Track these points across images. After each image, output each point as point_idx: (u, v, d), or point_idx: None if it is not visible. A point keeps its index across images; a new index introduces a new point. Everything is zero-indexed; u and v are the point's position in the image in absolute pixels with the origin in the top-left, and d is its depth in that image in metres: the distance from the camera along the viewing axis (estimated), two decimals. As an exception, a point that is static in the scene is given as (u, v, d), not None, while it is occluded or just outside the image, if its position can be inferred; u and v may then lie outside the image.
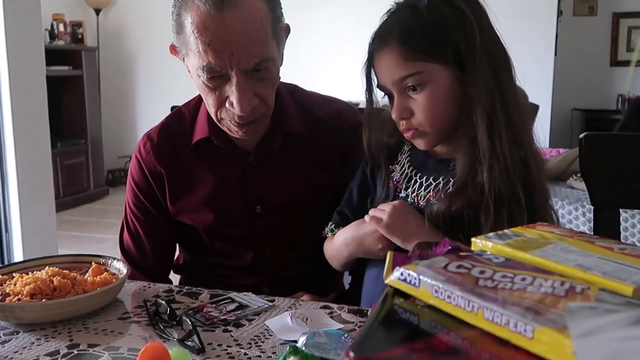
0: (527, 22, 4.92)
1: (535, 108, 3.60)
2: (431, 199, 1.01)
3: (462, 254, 0.58)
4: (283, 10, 1.09)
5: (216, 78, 1.04)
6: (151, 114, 6.33)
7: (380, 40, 0.99)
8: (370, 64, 1.03)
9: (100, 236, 4.57)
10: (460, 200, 0.95)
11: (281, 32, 1.09)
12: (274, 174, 1.21)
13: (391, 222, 0.98)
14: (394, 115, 1.01)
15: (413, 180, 1.05)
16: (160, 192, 1.24)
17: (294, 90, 1.28)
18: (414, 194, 1.04)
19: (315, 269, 1.24)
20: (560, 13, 5.63)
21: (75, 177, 5.56)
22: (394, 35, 0.97)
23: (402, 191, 1.06)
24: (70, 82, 5.58)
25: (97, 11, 6.29)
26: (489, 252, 0.58)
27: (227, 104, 1.07)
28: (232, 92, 1.04)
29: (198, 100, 1.24)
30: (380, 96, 1.07)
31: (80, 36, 5.92)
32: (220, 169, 1.21)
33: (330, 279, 1.33)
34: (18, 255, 2.57)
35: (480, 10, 0.98)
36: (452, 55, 0.95)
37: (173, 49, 1.13)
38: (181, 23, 1.04)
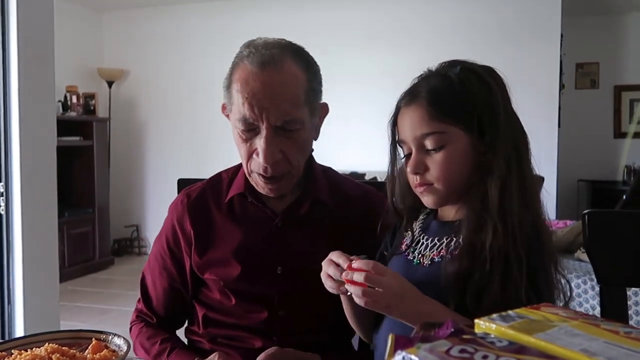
0: (530, 95, 5.02)
1: (540, 179, 3.61)
2: (435, 257, 1.04)
3: (465, 336, 0.57)
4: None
5: (249, 131, 1.16)
6: (159, 184, 6.41)
7: (409, 98, 1.05)
8: (395, 119, 1.08)
9: (103, 307, 4.52)
10: (468, 260, 0.97)
11: (316, 104, 1.22)
12: (298, 239, 1.27)
13: (391, 303, 0.95)
14: (409, 169, 1.05)
15: (420, 243, 1.09)
16: (187, 249, 1.31)
17: (327, 169, 1.38)
18: (420, 254, 1.07)
19: (325, 341, 1.25)
20: (562, 86, 5.75)
21: (81, 246, 5.57)
22: (423, 95, 1.03)
23: (410, 254, 1.09)
24: (80, 152, 5.68)
25: (110, 83, 6.47)
26: (492, 335, 0.57)
27: (254, 155, 1.18)
28: (260, 144, 1.15)
29: (238, 166, 1.35)
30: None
31: (92, 107, 6.07)
32: (248, 227, 1.28)
33: (339, 355, 1.32)
34: (19, 327, 2.53)
35: (504, 88, 1.05)
36: (475, 123, 1.01)
37: (224, 108, 1.25)
38: (230, 79, 1.19)
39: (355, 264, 0.96)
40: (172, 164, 6.35)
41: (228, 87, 1.20)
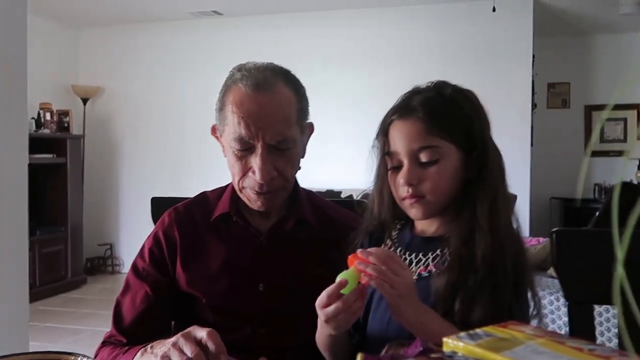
0: (503, 114, 5.10)
1: (514, 197, 3.65)
2: (422, 272, 1.06)
3: (433, 355, 0.57)
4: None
5: (245, 150, 1.21)
6: (133, 202, 6.34)
7: (404, 112, 1.08)
8: (385, 131, 1.10)
9: (75, 327, 4.43)
10: (457, 271, 1.00)
11: (304, 123, 1.28)
12: (282, 256, 1.30)
13: (405, 296, 0.94)
14: (402, 181, 1.07)
15: (402, 259, 1.10)
16: (171, 259, 1.31)
17: (309, 192, 1.42)
18: None
19: (307, 358, 1.24)
20: (534, 106, 5.86)
21: (53, 265, 5.47)
22: (420, 110, 1.06)
23: None
24: (53, 170, 5.60)
25: (85, 100, 6.41)
26: (460, 354, 0.58)
27: (250, 173, 1.22)
28: (255, 162, 1.20)
29: (224, 187, 1.38)
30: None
31: (66, 124, 6.00)
32: (233, 244, 1.31)
33: None
34: (-13, 349, 2.47)
35: (485, 110, 1.11)
36: (465, 141, 1.07)
37: (214, 130, 1.30)
38: (224, 101, 1.23)
39: (372, 258, 0.93)
40: (146, 182, 6.30)
41: (221, 108, 1.24)
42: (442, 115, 1.06)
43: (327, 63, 5.87)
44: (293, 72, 1.30)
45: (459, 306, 0.98)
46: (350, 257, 0.96)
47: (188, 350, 0.99)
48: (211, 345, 0.99)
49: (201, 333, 1.01)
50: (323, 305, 0.95)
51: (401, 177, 1.07)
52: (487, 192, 1.04)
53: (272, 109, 1.19)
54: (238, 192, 1.28)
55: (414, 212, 1.09)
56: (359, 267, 0.93)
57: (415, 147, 1.05)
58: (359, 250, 0.95)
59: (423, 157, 1.05)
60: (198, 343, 1.01)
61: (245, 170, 1.23)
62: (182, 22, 6.29)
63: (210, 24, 6.24)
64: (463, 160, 1.07)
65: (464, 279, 1.00)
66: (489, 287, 0.98)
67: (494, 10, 4.64)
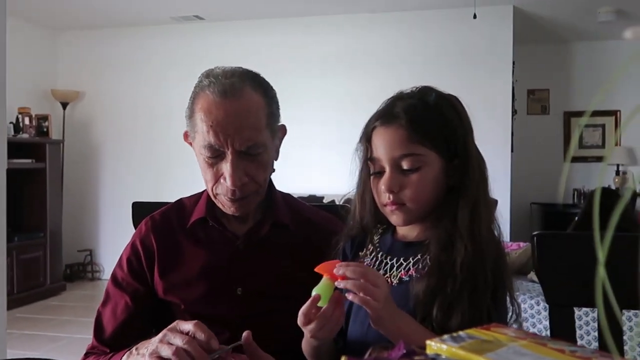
0: (484, 120, 5.14)
1: (494, 202, 3.68)
2: (403, 276, 1.07)
3: (416, 358, 0.57)
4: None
5: (215, 157, 1.21)
6: (114, 208, 6.28)
7: (386, 118, 1.08)
8: (369, 137, 1.10)
9: (54, 335, 4.37)
10: (436, 277, 1.01)
11: (276, 126, 1.27)
12: (258, 260, 1.29)
13: (385, 305, 0.94)
14: (383, 187, 1.07)
15: (384, 263, 1.11)
16: (149, 268, 1.31)
17: (286, 195, 1.42)
18: (386, 275, 1.09)
19: None
20: (514, 112, 5.92)
21: (32, 271, 5.39)
22: (402, 117, 1.06)
23: None
24: (32, 175, 5.53)
25: (64, 105, 6.34)
26: (443, 356, 0.58)
27: (221, 179, 1.22)
28: (226, 169, 1.19)
29: (200, 193, 1.38)
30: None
31: (45, 129, 5.93)
32: (210, 249, 1.30)
33: None
34: (-37, 357, 2.42)
35: (468, 116, 1.11)
36: (447, 149, 1.07)
37: (186, 136, 1.30)
38: (193, 108, 1.23)
39: (349, 273, 0.93)
40: (127, 188, 6.24)
41: (190, 116, 1.23)
42: (425, 122, 1.06)
43: (310, 68, 5.88)
44: (275, 77, 1.29)
45: (437, 312, 0.99)
46: (317, 268, 0.97)
47: (178, 340, 0.98)
48: (200, 335, 0.99)
49: (187, 326, 1.01)
50: (303, 324, 0.96)
51: (382, 184, 1.07)
52: (468, 200, 1.05)
53: (240, 115, 1.18)
54: (212, 197, 1.28)
55: (394, 218, 1.09)
56: (339, 286, 0.94)
57: (397, 154, 1.05)
58: (334, 270, 0.95)
59: (405, 165, 1.05)
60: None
61: (217, 177, 1.23)
62: (163, 26, 6.26)
63: (192, 29, 6.21)
64: (445, 168, 1.07)
65: (443, 284, 1.00)
66: (467, 293, 0.99)
67: (474, 17, 4.68)
